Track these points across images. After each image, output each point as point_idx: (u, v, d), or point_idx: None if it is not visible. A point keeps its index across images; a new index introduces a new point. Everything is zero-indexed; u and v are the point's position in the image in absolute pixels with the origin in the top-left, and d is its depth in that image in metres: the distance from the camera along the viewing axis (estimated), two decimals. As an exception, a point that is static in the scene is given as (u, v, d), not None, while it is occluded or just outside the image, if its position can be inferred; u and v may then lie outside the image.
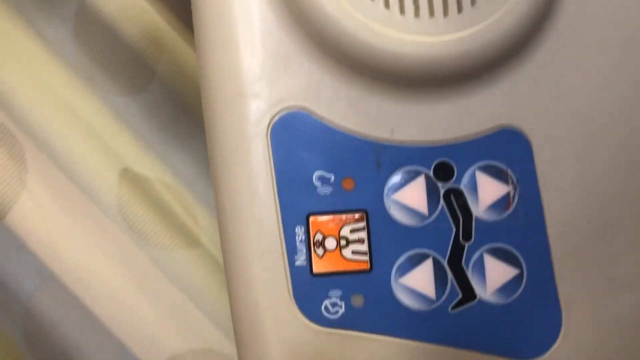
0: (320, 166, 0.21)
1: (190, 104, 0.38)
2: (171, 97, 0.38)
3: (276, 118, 0.21)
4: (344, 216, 0.21)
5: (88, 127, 0.37)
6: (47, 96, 0.36)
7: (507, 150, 0.22)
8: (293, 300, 0.21)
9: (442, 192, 0.21)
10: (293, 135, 0.21)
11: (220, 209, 0.22)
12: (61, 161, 0.36)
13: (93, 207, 0.36)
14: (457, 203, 0.21)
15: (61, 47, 0.37)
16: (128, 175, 0.36)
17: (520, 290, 0.21)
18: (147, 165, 0.38)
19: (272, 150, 0.21)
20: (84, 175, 0.36)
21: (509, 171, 0.21)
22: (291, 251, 0.21)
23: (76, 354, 0.36)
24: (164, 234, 0.36)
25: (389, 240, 0.21)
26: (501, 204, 0.21)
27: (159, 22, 0.38)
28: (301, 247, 0.21)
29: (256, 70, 0.21)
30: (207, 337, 0.36)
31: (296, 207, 0.21)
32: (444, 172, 0.21)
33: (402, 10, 0.20)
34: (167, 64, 0.38)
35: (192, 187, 0.38)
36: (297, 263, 0.21)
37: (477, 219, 0.21)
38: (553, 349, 0.21)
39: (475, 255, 0.21)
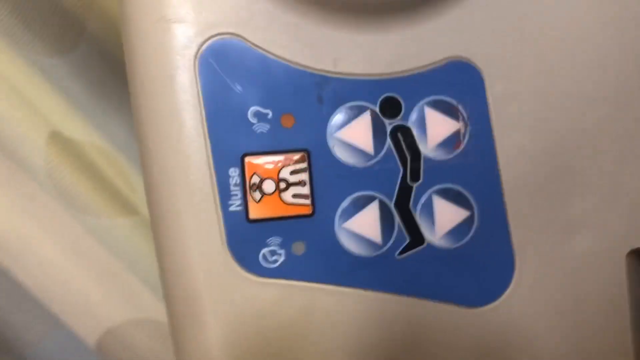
0: (256, 101, 0.19)
1: (124, 64, 0.36)
2: (103, 57, 0.35)
3: (204, 46, 0.19)
4: (283, 156, 0.19)
5: (12, 89, 0.34)
6: None
7: (458, 84, 0.20)
8: (227, 249, 0.19)
9: (388, 129, 0.20)
10: (224, 66, 0.19)
11: (144, 150, 0.19)
12: None
13: (20, 173, 0.33)
14: (405, 141, 0.20)
15: None
16: (57, 139, 0.34)
17: (470, 234, 0.20)
18: (77, 129, 0.35)
19: (201, 83, 0.19)
20: (8, 139, 0.33)
21: (460, 107, 0.20)
22: (224, 196, 0.19)
23: (6, 329, 0.34)
24: (97, 201, 0.34)
25: (333, 182, 0.19)
26: (451, 141, 0.20)
27: None
28: (236, 191, 0.19)
29: (181, -8, 0.18)
30: (146, 306, 0.34)
31: (230, 147, 0.19)
32: (390, 107, 0.20)
33: None
34: (98, 21, 0.35)
35: (127, 152, 0.36)
36: (232, 208, 0.19)
37: (426, 159, 0.20)
38: (505, 295, 0.20)
39: (424, 197, 0.20)
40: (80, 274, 0.34)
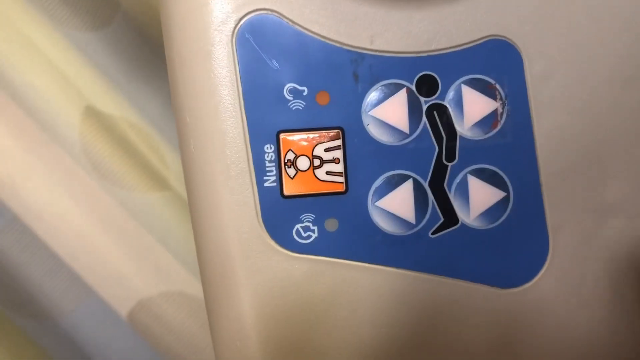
0: (292, 78, 0.19)
1: (158, 39, 0.36)
2: (137, 32, 0.36)
3: (242, 22, 0.19)
4: (318, 134, 0.19)
5: (49, 63, 0.34)
6: (4, 30, 0.34)
7: (496, 63, 0.20)
8: (262, 224, 0.19)
9: (424, 108, 0.20)
10: (261, 42, 0.19)
11: (181, 124, 0.19)
12: (20, 98, 0.34)
13: (55, 146, 0.34)
14: (441, 120, 0.20)
15: None
16: (92, 114, 0.34)
17: (505, 215, 0.20)
18: (111, 104, 0.36)
19: (239, 59, 0.19)
20: (45, 113, 0.34)
21: (497, 86, 0.20)
22: (260, 171, 0.19)
23: (42, 297, 0.35)
24: (130, 175, 0.34)
25: (367, 160, 0.19)
26: (488, 121, 0.20)
27: None
28: (271, 167, 0.19)
29: (219, -33, 0.19)
30: (177, 279, 0.35)
31: (265, 124, 0.19)
32: (427, 86, 0.20)
33: None
34: None
35: (160, 128, 0.37)
36: (267, 184, 0.19)
37: (462, 138, 0.20)
38: (538, 277, 0.20)
39: (459, 177, 0.20)
40: (113, 246, 0.35)
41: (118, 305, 0.35)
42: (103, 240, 0.35)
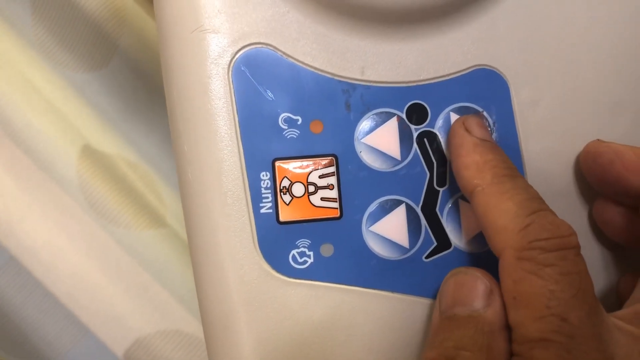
0: (287, 108, 0.20)
1: (155, 79, 0.37)
2: (134, 72, 0.37)
3: (238, 55, 0.20)
4: (312, 161, 0.20)
5: (47, 103, 0.35)
6: (3, 70, 0.35)
7: (483, 91, 0.20)
8: (258, 250, 0.19)
9: (415, 135, 0.20)
10: (257, 74, 0.20)
11: (179, 153, 0.20)
12: (18, 137, 0.34)
13: (52, 185, 0.34)
14: (431, 147, 0.20)
15: (18, 20, 0.35)
16: (89, 152, 0.35)
17: (497, 238, 0.20)
18: (109, 142, 0.36)
19: (235, 90, 0.20)
20: (42, 152, 0.34)
21: (485, 113, 0.20)
22: (256, 198, 0.19)
23: (37, 339, 0.34)
24: (127, 213, 0.34)
25: (360, 186, 0.20)
26: (477, 147, 0.20)
27: None
28: (267, 194, 0.20)
29: (216, 3, 0.19)
30: (173, 317, 0.35)
31: (261, 152, 0.20)
32: (417, 114, 0.20)
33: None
34: (129, 38, 0.36)
35: (156, 165, 0.37)
36: (263, 210, 0.20)
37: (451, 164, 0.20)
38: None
39: (451, 202, 0.20)
40: (109, 284, 0.35)
41: (114, 344, 0.35)
42: (99, 279, 0.34)
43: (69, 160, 0.35)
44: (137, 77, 0.37)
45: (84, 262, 0.35)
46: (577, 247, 0.17)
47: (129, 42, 0.36)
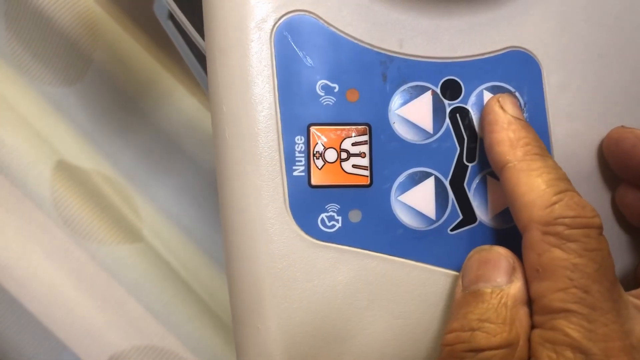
0: (325, 75, 0.20)
1: (130, 92, 0.37)
2: (109, 86, 0.37)
3: (281, 21, 0.20)
4: (346, 128, 0.20)
5: (20, 119, 0.35)
6: None
7: (516, 73, 0.21)
8: (289, 211, 0.20)
9: (448, 110, 0.21)
10: (298, 40, 0.20)
11: (217, 114, 0.21)
12: None
13: (26, 202, 0.34)
14: (463, 122, 0.21)
15: None
16: (64, 168, 0.35)
17: (522, 216, 0.21)
18: (84, 157, 0.36)
19: (275, 55, 0.20)
20: (15, 168, 0.34)
21: (517, 94, 0.21)
22: (289, 160, 0.20)
23: (15, 355, 0.34)
24: (102, 229, 0.35)
25: (391, 156, 0.20)
26: (508, 126, 0.21)
27: (93, 7, 0.36)
28: (300, 157, 0.20)
29: (263, -31, 0.20)
30: (149, 332, 0.35)
31: (297, 116, 0.20)
32: (451, 90, 0.21)
33: None
34: (103, 52, 0.36)
35: (133, 179, 0.37)
36: (295, 173, 0.20)
37: (483, 140, 0.21)
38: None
39: (478, 177, 0.21)
40: (85, 300, 0.35)
41: None
42: (74, 295, 0.34)
43: (43, 176, 0.35)
44: (112, 90, 0.37)
45: (58, 278, 0.35)
46: (600, 228, 0.18)
47: (103, 56, 0.36)
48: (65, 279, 0.35)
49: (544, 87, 0.21)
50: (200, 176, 0.40)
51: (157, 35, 0.38)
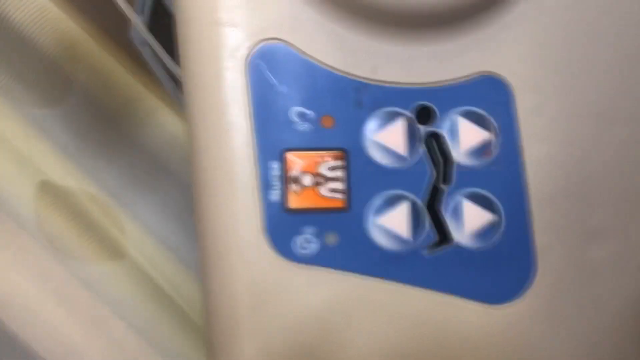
0: (300, 102, 0.21)
1: (113, 111, 0.37)
2: (92, 106, 0.37)
3: (255, 49, 0.20)
4: (322, 153, 0.21)
5: (3, 141, 0.35)
6: None
7: (488, 97, 0.21)
8: (265, 235, 0.20)
9: (423, 135, 0.21)
10: (272, 69, 0.20)
11: (193, 142, 0.21)
12: None
13: (9, 222, 0.34)
14: (438, 146, 0.21)
15: None
16: (48, 188, 0.35)
17: (497, 236, 0.21)
18: (68, 176, 0.36)
19: (250, 83, 0.20)
20: None
21: (490, 118, 0.21)
22: (265, 185, 0.20)
23: None
24: (86, 246, 0.35)
25: (367, 181, 0.21)
26: (481, 150, 0.21)
27: (74, 29, 0.36)
28: (276, 182, 0.20)
29: (236, -2, 0.20)
30: (132, 352, 0.35)
31: (273, 142, 0.20)
32: (425, 115, 0.21)
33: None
34: (85, 72, 0.36)
35: (117, 197, 0.37)
36: (271, 198, 0.20)
37: (457, 164, 0.21)
38: (525, 295, 0.21)
39: (454, 199, 0.21)
40: (68, 319, 0.34)
41: None
42: (57, 314, 0.34)
43: (26, 196, 0.35)
44: (95, 110, 0.37)
45: (41, 297, 0.34)
46: None
47: (85, 77, 0.36)
48: (48, 298, 0.34)
49: (516, 110, 0.21)
50: (185, 193, 0.40)
51: (140, 56, 0.38)
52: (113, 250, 0.35)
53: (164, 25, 0.29)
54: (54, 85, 0.36)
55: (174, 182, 0.39)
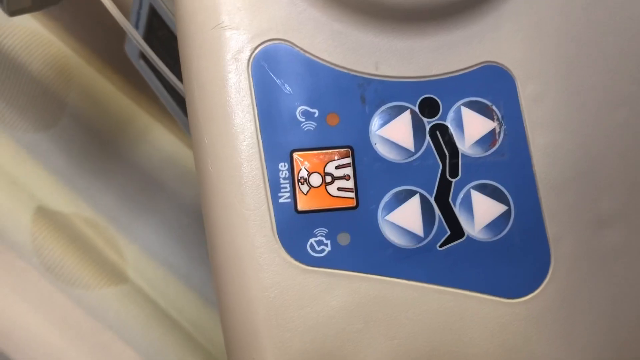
0: (304, 101, 0.20)
1: (106, 132, 0.37)
2: (84, 128, 0.37)
3: (257, 51, 0.20)
4: (328, 152, 0.20)
5: None
6: None
7: (491, 87, 0.21)
8: (277, 239, 0.20)
9: (427, 127, 0.21)
10: (275, 69, 0.20)
11: (199, 146, 0.21)
12: None
13: (6, 250, 0.34)
14: (443, 139, 0.21)
15: None
16: (43, 214, 0.35)
17: (508, 227, 0.21)
18: (63, 201, 0.36)
19: (254, 84, 0.20)
20: None
21: (494, 107, 0.21)
22: (275, 188, 0.20)
23: None
24: (85, 273, 0.34)
25: (375, 177, 0.20)
26: (487, 140, 0.21)
27: (65, 52, 0.36)
28: (285, 184, 0.20)
29: (236, 1, 0.20)
30: None
31: (279, 143, 0.20)
32: (429, 107, 0.21)
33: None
34: (78, 95, 0.36)
35: (115, 220, 0.37)
36: (281, 200, 0.20)
37: (464, 155, 0.21)
38: (542, 287, 0.21)
39: (463, 192, 0.21)
40: (72, 348, 0.34)
41: None
42: (60, 342, 0.34)
43: (22, 223, 0.34)
44: (88, 132, 0.37)
45: (43, 327, 0.34)
46: None
47: (77, 99, 0.36)
48: (50, 327, 0.34)
49: (519, 99, 0.21)
50: (183, 212, 0.39)
51: (131, 75, 0.38)
52: (113, 275, 0.35)
53: (159, 37, 0.28)
54: (46, 108, 0.36)
55: (171, 201, 0.39)
